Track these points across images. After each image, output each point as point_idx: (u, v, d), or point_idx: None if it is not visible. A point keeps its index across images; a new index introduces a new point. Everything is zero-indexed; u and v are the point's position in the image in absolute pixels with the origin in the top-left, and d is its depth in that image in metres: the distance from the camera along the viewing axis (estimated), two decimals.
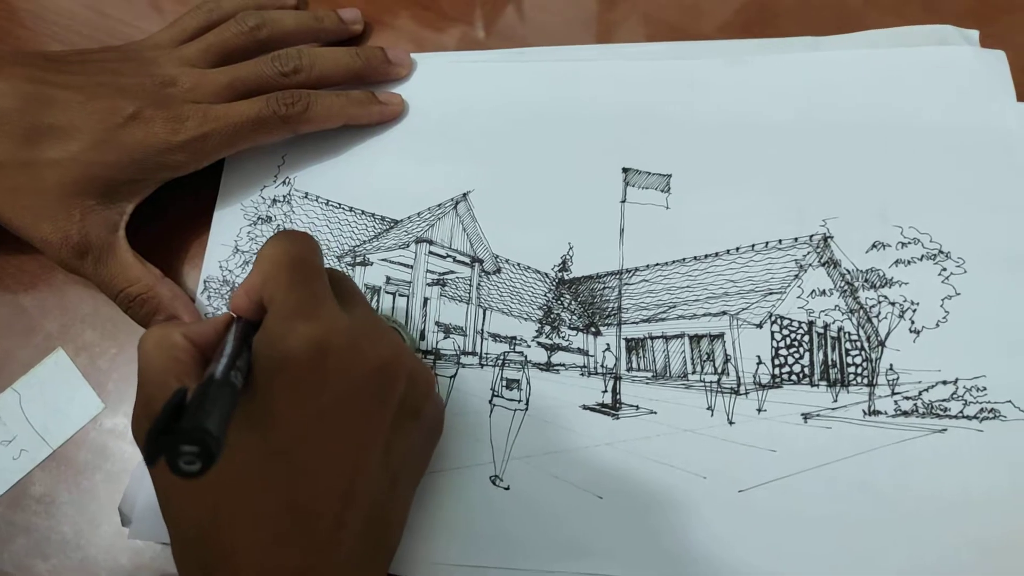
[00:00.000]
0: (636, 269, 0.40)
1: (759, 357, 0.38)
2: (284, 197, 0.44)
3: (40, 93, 0.38)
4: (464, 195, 0.43)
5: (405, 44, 0.48)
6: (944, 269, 0.38)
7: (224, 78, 0.41)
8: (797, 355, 0.38)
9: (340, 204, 0.44)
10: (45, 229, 0.38)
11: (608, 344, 0.39)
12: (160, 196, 0.41)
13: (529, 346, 0.40)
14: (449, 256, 0.42)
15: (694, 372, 0.38)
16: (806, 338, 0.38)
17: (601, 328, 0.40)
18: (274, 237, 0.32)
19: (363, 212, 0.43)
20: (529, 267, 0.41)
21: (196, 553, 0.28)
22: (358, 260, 0.43)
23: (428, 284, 0.42)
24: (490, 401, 0.39)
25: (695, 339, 0.39)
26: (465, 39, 0.49)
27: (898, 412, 0.36)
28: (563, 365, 0.39)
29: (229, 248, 0.44)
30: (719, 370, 0.38)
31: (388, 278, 0.42)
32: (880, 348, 0.37)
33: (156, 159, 0.39)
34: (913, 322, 0.37)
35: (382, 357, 0.30)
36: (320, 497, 0.28)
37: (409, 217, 0.43)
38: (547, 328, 0.40)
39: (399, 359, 0.31)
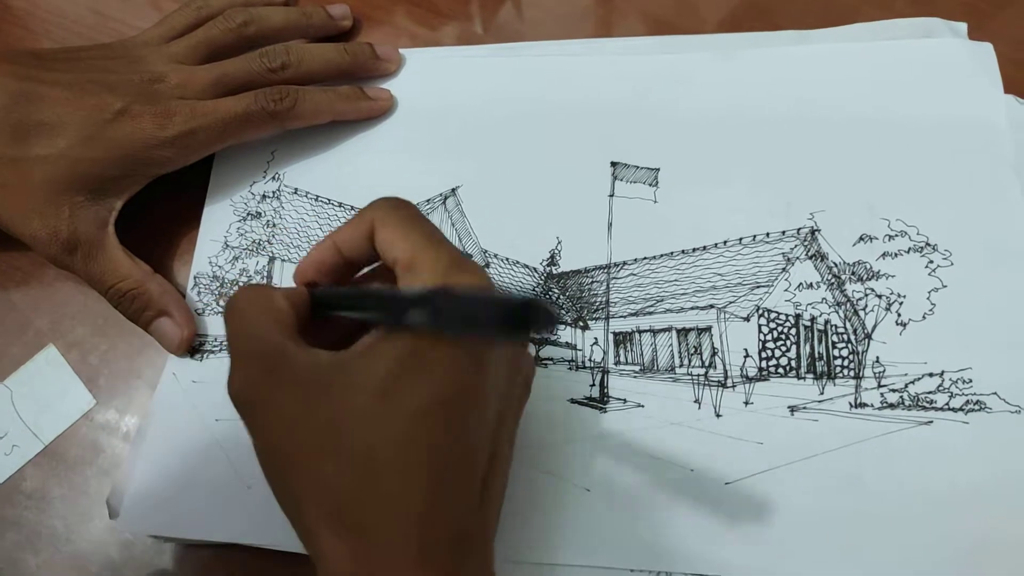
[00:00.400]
0: (624, 263, 0.40)
1: (746, 350, 0.38)
2: (274, 193, 0.44)
3: (28, 90, 0.38)
4: (453, 190, 0.43)
5: (400, 41, 0.48)
6: (931, 262, 0.38)
7: (212, 74, 0.42)
8: (784, 348, 0.38)
9: (329, 200, 0.44)
10: (34, 225, 0.38)
11: (596, 338, 0.40)
12: (149, 192, 0.41)
13: None
14: None
15: (682, 365, 0.38)
16: (793, 331, 0.38)
17: (589, 322, 0.40)
18: (389, 200, 0.30)
19: (352, 207, 0.44)
20: (518, 262, 0.41)
21: (341, 516, 0.26)
22: None
23: None
24: None
25: (683, 332, 0.39)
26: (462, 36, 0.49)
27: (884, 404, 0.36)
28: (551, 359, 0.39)
29: (219, 244, 0.44)
30: (706, 363, 0.38)
31: None
32: (867, 341, 0.37)
33: (144, 155, 0.39)
34: (900, 315, 0.37)
35: None
36: (477, 455, 0.27)
37: None
38: None
39: None
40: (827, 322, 0.38)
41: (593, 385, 0.39)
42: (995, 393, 0.35)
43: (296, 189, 0.44)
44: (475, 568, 0.27)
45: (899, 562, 0.33)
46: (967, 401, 0.36)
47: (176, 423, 0.39)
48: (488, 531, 0.29)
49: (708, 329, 0.39)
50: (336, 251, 0.31)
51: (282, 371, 0.26)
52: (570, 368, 0.39)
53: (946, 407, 0.36)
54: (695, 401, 0.37)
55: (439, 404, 0.25)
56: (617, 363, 0.39)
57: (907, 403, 0.36)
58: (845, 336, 0.38)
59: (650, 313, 0.40)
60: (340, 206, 0.44)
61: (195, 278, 0.43)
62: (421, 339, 0.26)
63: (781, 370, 0.37)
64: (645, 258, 0.40)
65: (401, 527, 0.25)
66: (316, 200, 0.44)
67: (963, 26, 0.43)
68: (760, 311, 0.38)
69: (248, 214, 0.44)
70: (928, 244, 0.38)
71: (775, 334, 0.38)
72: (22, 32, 0.52)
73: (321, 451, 0.26)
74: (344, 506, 0.25)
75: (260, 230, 0.44)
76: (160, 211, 0.44)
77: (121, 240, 0.40)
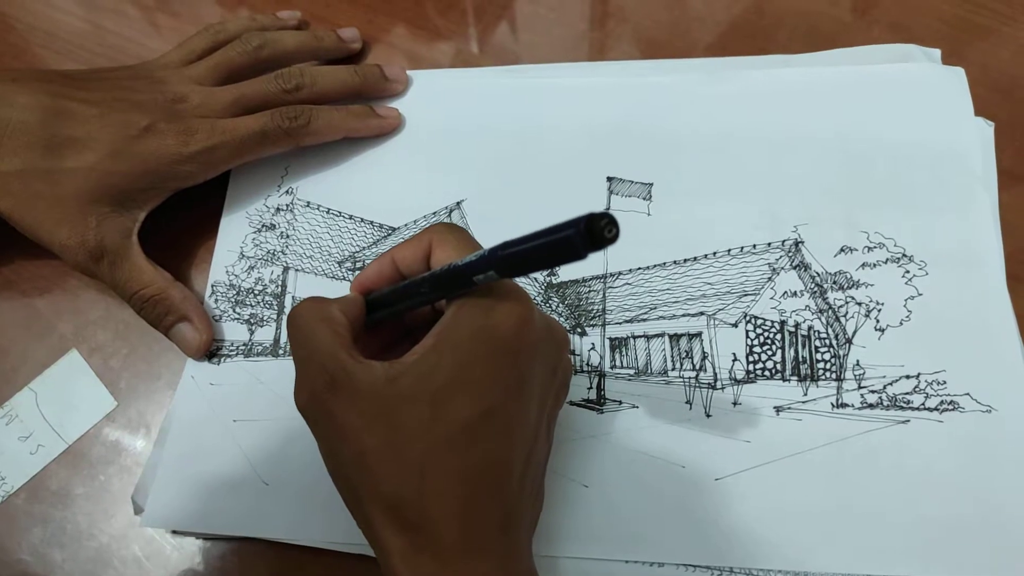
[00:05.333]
0: (619, 273, 0.43)
1: (735, 354, 0.40)
2: (287, 206, 0.47)
3: (60, 107, 0.41)
4: (458, 204, 0.45)
5: (401, 61, 0.51)
6: (907, 271, 0.41)
7: (230, 95, 0.44)
8: (770, 352, 0.40)
9: (340, 212, 0.46)
10: (63, 234, 0.40)
11: (593, 343, 0.42)
12: (170, 205, 0.44)
13: None
14: None
15: (674, 369, 0.41)
16: (778, 336, 0.40)
17: (587, 328, 0.42)
18: (448, 224, 0.33)
19: (362, 220, 0.46)
20: None
21: (398, 513, 0.28)
22: (358, 266, 0.45)
23: None
24: None
25: (675, 338, 0.41)
26: (459, 56, 0.52)
27: (864, 405, 0.38)
28: None
29: (235, 254, 0.46)
30: (697, 367, 0.40)
31: None
32: (847, 345, 0.40)
33: (168, 169, 0.42)
34: (878, 321, 0.40)
35: (554, 328, 0.33)
36: (514, 455, 0.29)
37: (406, 224, 0.45)
38: None
39: (563, 332, 0.34)
40: (810, 328, 0.40)
41: (591, 388, 0.41)
42: (967, 394, 0.38)
43: (309, 202, 0.47)
44: (515, 552, 0.30)
45: (879, 550, 0.36)
46: (941, 401, 0.38)
47: (195, 424, 0.41)
48: (526, 519, 0.32)
49: (699, 335, 0.41)
50: (394, 266, 0.33)
51: (343, 385, 0.29)
52: None
53: (922, 407, 0.38)
54: (686, 402, 0.40)
55: (485, 412, 0.28)
56: (613, 367, 0.41)
57: (885, 403, 0.38)
58: (827, 341, 0.40)
59: (644, 320, 0.42)
60: (351, 219, 0.46)
61: (212, 286, 0.45)
62: (468, 347, 0.28)
63: (767, 373, 0.40)
64: (639, 268, 0.43)
65: (450, 523, 0.28)
66: (328, 213, 0.46)
67: (937, 52, 0.46)
68: (747, 318, 0.41)
69: (263, 226, 0.46)
70: (904, 255, 0.41)
71: (761, 339, 0.40)
72: (21, 42, 0.54)
73: (380, 455, 0.28)
74: (400, 505, 0.28)
75: (274, 241, 0.46)
76: (180, 222, 0.46)
77: (143, 249, 0.42)
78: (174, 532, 0.40)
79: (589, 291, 0.43)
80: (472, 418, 0.28)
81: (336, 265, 0.45)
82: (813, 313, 0.41)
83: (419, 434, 0.28)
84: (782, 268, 0.42)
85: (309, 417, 0.31)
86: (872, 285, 0.41)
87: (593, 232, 0.22)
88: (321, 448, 0.31)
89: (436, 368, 0.28)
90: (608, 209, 0.44)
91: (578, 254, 0.23)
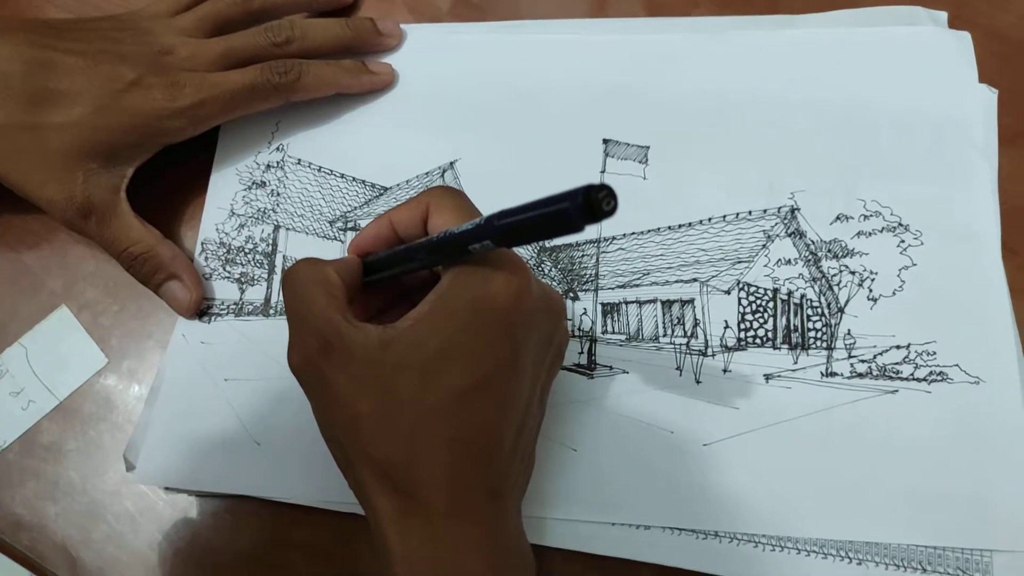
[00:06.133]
0: (613, 238, 0.43)
1: (726, 321, 0.40)
2: (278, 163, 0.46)
3: (44, 58, 0.40)
4: (451, 164, 0.45)
5: (396, 14, 0.49)
6: (902, 241, 0.40)
7: (219, 48, 0.43)
8: (762, 320, 0.40)
9: (332, 171, 0.46)
10: (50, 190, 0.40)
11: (585, 308, 0.42)
12: (159, 160, 0.43)
13: None
14: None
15: (665, 335, 0.41)
16: (771, 304, 0.40)
17: (579, 293, 0.42)
18: (445, 188, 0.33)
19: (354, 179, 0.45)
20: None
21: (389, 477, 0.29)
22: (349, 225, 0.45)
23: None
24: None
25: (667, 304, 0.41)
26: (456, 9, 0.50)
27: (853, 374, 0.39)
28: None
29: (225, 211, 0.45)
30: (688, 333, 0.40)
31: None
32: (839, 314, 0.40)
33: (155, 124, 0.41)
34: (871, 290, 0.40)
35: (552, 299, 0.32)
36: (505, 425, 0.30)
37: (398, 184, 0.45)
38: None
39: (560, 301, 0.33)
40: (803, 296, 0.40)
41: (582, 353, 0.41)
42: (957, 365, 0.38)
43: (300, 160, 0.46)
44: (504, 518, 0.30)
45: (864, 517, 0.36)
46: (930, 372, 0.38)
47: (187, 382, 0.41)
48: (516, 487, 0.32)
49: (691, 301, 0.41)
50: (391, 228, 0.33)
51: (336, 348, 0.29)
52: None
53: (911, 377, 0.38)
54: (677, 368, 0.40)
55: (477, 382, 0.28)
56: (605, 332, 0.41)
57: (875, 373, 0.38)
58: (819, 310, 0.40)
59: (637, 285, 0.42)
60: (342, 177, 0.45)
61: (202, 244, 0.45)
62: (463, 315, 0.28)
63: (758, 340, 0.40)
64: (633, 233, 0.42)
65: (439, 489, 0.28)
66: (319, 171, 0.46)
67: (943, 15, 0.45)
68: (740, 285, 0.41)
69: (253, 183, 0.46)
70: (900, 224, 0.41)
71: (754, 307, 0.40)
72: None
73: (372, 421, 0.28)
74: (391, 469, 0.29)
75: (265, 199, 0.45)
76: (169, 179, 0.45)
77: (132, 206, 0.42)
78: (166, 489, 0.40)
79: (583, 255, 0.43)
80: (464, 387, 0.28)
81: (327, 224, 0.45)
82: (806, 281, 0.40)
83: (410, 401, 0.28)
84: (777, 235, 0.41)
85: (302, 379, 0.31)
86: (867, 254, 0.40)
87: (591, 204, 0.22)
88: (314, 409, 0.31)
89: (430, 335, 0.28)
90: (604, 172, 0.43)
91: (575, 227, 0.23)
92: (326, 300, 0.30)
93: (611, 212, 0.22)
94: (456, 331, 0.28)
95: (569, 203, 0.22)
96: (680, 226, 0.42)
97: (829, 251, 0.41)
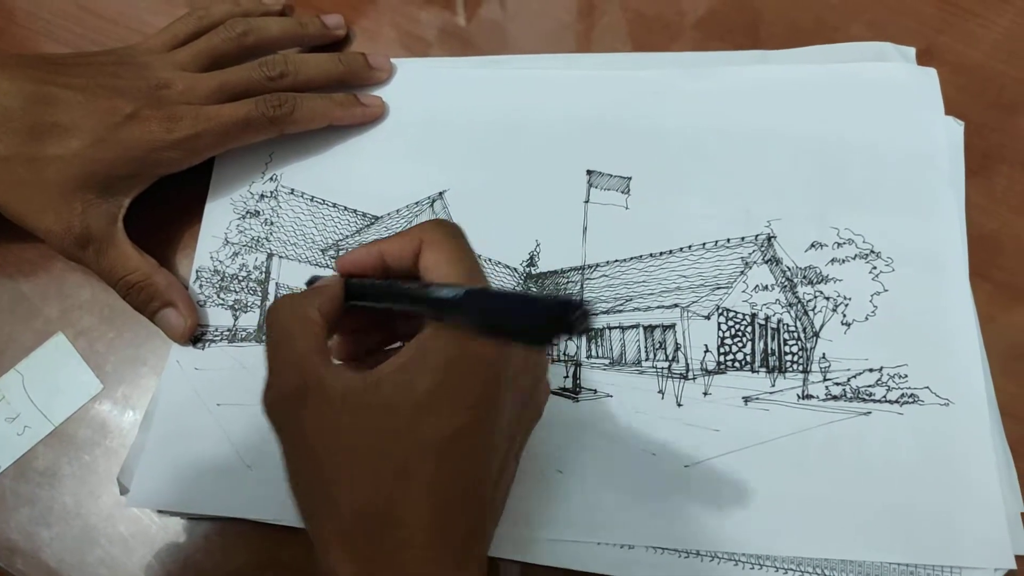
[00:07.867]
0: (597, 265, 0.44)
1: (706, 346, 0.42)
2: (271, 193, 0.47)
3: (44, 93, 0.41)
4: (440, 194, 0.46)
5: (386, 49, 0.51)
6: (874, 268, 0.42)
7: (214, 82, 0.44)
8: (740, 344, 0.42)
9: (324, 200, 0.47)
10: (49, 220, 0.41)
11: None
12: (155, 190, 0.44)
13: None
14: None
15: (647, 359, 0.42)
16: (749, 329, 0.42)
17: None
18: (440, 224, 0.32)
19: (346, 208, 0.47)
20: (499, 262, 0.44)
21: (354, 536, 0.28)
22: (341, 254, 0.46)
23: None
24: None
25: (649, 329, 0.43)
26: (445, 45, 0.52)
27: (828, 396, 0.40)
28: None
29: (219, 240, 0.47)
30: (670, 357, 0.42)
31: None
32: (815, 339, 0.41)
33: (152, 156, 0.42)
34: (845, 315, 0.41)
35: (534, 355, 0.32)
36: (486, 473, 0.30)
37: (389, 214, 0.46)
38: None
39: (543, 359, 0.34)
40: (780, 321, 0.42)
41: (567, 377, 0.42)
42: (927, 387, 0.39)
43: (292, 189, 0.47)
44: (475, 562, 0.30)
45: (839, 535, 0.37)
46: (902, 394, 0.40)
47: (180, 407, 0.42)
48: (489, 530, 0.32)
49: (672, 326, 0.42)
50: (380, 258, 0.32)
51: (313, 390, 0.28)
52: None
53: (884, 399, 0.40)
54: (659, 392, 0.41)
55: (464, 426, 0.28)
56: (589, 357, 0.43)
57: (849, 395, 0.40)
58: (795, 334, 0.41)
59: (620, 311, 0.43)
60: (334, 206, 0.47)
61: (197, 272, 0.46)
62: (447, 365, 0.28)
63: (737, 364, 0.41)
64: (616, 260, 0.44)
65: (424, 528, 0.27)
66: (312, 200, 0.47)
67: (911, 51, 0.47)
68: (720, 310, 0.42)
69: (247, 212, 0.47)
70: (872, 251, 0.42)
71: (733, 331, 0.42)
72: (22, 31, 0.54)
73: (338, 473, 0.28)
74: (354, 529, 0.28)
75: (259, 228, 0.47)
76: (165, 208, 0.46)
77: (128, 235, 0.43)
78: (159, 512, 0.41)
79: (568, 282, 0.44)
80: (453, 429, 0.28)
81: (320, 252, 0.46)
82: (783, 307, 0.42)
83: (400, 440, 0.28)
84: (754, 262, 0.43)
85: (274, 419, 0.30)
86: (840, 280, 0.42)
87: (564, 322, 0.22)
88: (282, 452, 0.30)
89: (419, 377, 0.28)
90: (588, 202, 0.45)
91: (549, 341, 0.23)
92: (305, 340, 0.29)
93: (580, 332, 0.23)
94: (446, 376, 0.28)
95: (543, 311, 0.23)
96: (661, 253, 0.44)
97: (804, 277, 0.42)
